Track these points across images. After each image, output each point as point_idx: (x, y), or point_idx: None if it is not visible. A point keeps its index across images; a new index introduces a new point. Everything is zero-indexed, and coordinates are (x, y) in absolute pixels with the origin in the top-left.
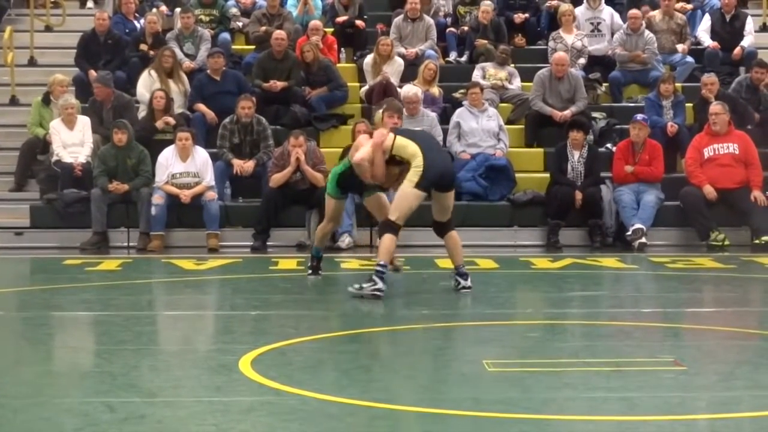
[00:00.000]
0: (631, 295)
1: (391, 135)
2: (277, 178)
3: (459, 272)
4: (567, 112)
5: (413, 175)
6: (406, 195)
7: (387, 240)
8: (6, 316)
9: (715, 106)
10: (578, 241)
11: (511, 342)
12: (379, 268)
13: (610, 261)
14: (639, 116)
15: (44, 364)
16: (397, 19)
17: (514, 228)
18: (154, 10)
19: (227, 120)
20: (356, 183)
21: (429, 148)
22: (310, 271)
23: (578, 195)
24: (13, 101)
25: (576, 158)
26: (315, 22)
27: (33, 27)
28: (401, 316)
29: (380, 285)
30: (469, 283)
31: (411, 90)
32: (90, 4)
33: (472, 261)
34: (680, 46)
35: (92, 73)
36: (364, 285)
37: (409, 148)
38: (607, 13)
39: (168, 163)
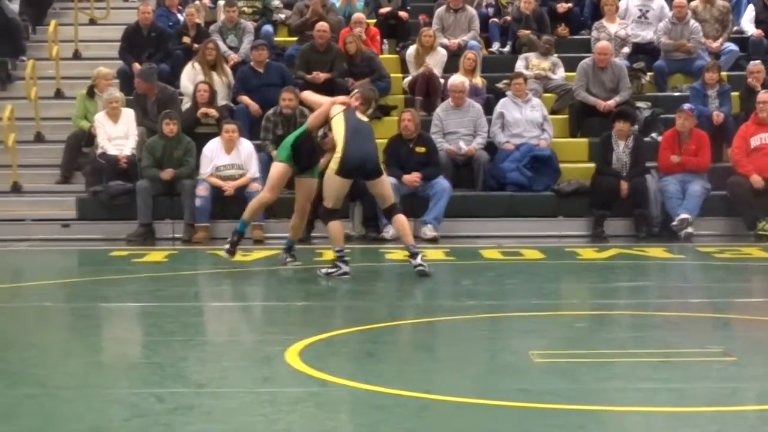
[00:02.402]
0: (679, 286)
1: (341, 111)
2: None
3: (410, 252)
4: (611, 102)
5: (333, 163)
6: (330, 182)
7: (332, 227)
8: (54, 307)
9: (764, 94)
10: (624, 231)
11: (558, 333)
12: (338, 254)
13: (656, 251)
14: (685, 106)
15: (93, 355)
16: (440, 10)
17: (559, 218)
18: (196, 2)
19: (270, 112)
20: (308, 152)
21: (354, 138)
22: (227, 246)
23: (624, 185)
24: (58, 94)
25: (621, 148)
26: (358, 14)
27: (77, 20)
28: (447, 306)
29: (345, 269)
30: (418, 261)
31: (458, 79)
32: None
33: (517, 251)
34: (714, 44)
35: (136, 65)
36: (331, 270)
37: (339, 133)
38: (658, 2)
39: (213, 155)
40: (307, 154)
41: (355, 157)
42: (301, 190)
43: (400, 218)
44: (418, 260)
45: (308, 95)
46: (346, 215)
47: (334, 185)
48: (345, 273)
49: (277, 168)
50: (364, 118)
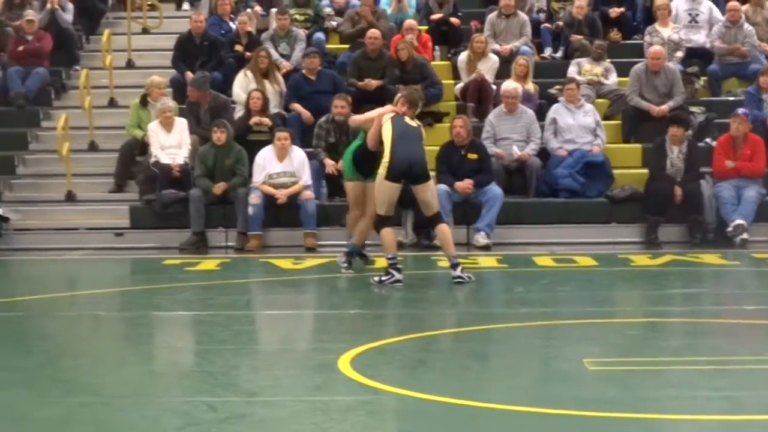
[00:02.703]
0: (734, 292)
1: (390, 117)
2: None
3: (451, 263)
4: (664, 107)
5: (382, 168)
6: (380, 187)
7: (385, 234)
8: (108, 316)
9: None
10: (678, 238)
11: (612, 340)
12: (390, 262)
13: (711, 257)
14: (740, 110)
15: (146, 364)
16: (491, 16)
17: (612, 225)
18: (248, 10)
19: (323, 119)
20: (369, 159)
21: (400, 142)
22: (345, 265)
23: (678, 191)
24: (112, 103)
25: (675, 154)
26: (410, 21)
27: (130, 30)
28: (500, 314)
29: (398, 276)
30: (458, 272)
31: (510, 85)
32: (186, 6)
33: (570, 258)
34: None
35: (189, 74)
36: (383, 278)
37: (386, 139)
38: (706, 5)
39: (265, 163)
40: (368, 161)
41: (402, 161)
42: (370, 194)
43: (444, 228)
44: (458, 272)
45: (356, 119)
46: (398, 223)
47: (384, 190)
48: (398, 281)
49: (348, 187)
50: (413, 123)
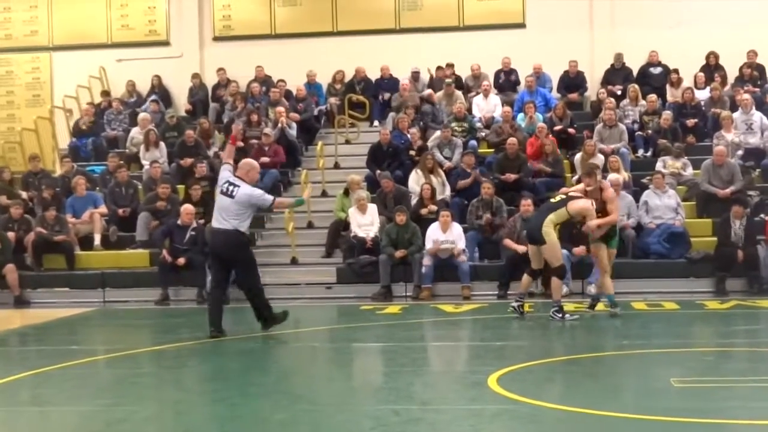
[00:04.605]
0: None
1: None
2: (508, 243)
3: (552, 306)
4: (728, 191)
5: None
6: None
7: (523, 279)
8: (320, 346)
9: None
10: (740, 288)
11: (692, 364)
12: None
13: (766, 303)
14: None
15: (347, 381)
16: (598, 127)
17: (690, 279)
18: (416, 127)
19: (475, 200)
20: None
21: (532, 217)
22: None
23: (740, 253)
24: (323, 194)
25: (737, 226)
26: (540, 125)
27: (336, 141)
28: (606, 345)
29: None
30: (552, 311)
31: (614, 176)
32: (376, 123)
33: (659, 303)
34: None
35: (378, 172)
36: (565, 316)
37: None
38: (758, 116)
39: (433, 234)
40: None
41: (526, 230)
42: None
43: (554, 280)
44: (552, 311)
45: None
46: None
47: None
48: (564, 318)
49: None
50: (557, 198)
